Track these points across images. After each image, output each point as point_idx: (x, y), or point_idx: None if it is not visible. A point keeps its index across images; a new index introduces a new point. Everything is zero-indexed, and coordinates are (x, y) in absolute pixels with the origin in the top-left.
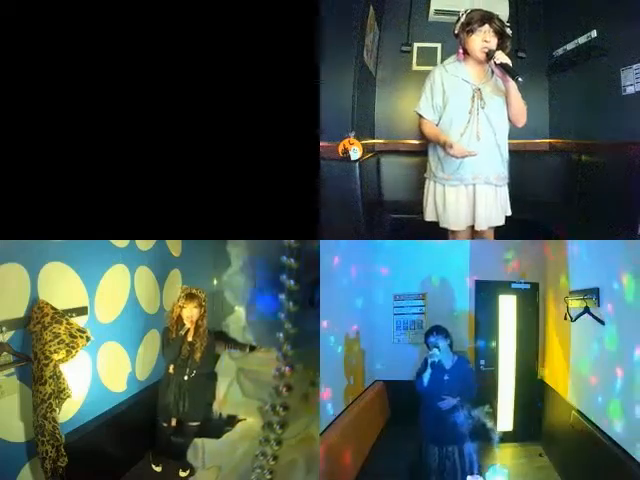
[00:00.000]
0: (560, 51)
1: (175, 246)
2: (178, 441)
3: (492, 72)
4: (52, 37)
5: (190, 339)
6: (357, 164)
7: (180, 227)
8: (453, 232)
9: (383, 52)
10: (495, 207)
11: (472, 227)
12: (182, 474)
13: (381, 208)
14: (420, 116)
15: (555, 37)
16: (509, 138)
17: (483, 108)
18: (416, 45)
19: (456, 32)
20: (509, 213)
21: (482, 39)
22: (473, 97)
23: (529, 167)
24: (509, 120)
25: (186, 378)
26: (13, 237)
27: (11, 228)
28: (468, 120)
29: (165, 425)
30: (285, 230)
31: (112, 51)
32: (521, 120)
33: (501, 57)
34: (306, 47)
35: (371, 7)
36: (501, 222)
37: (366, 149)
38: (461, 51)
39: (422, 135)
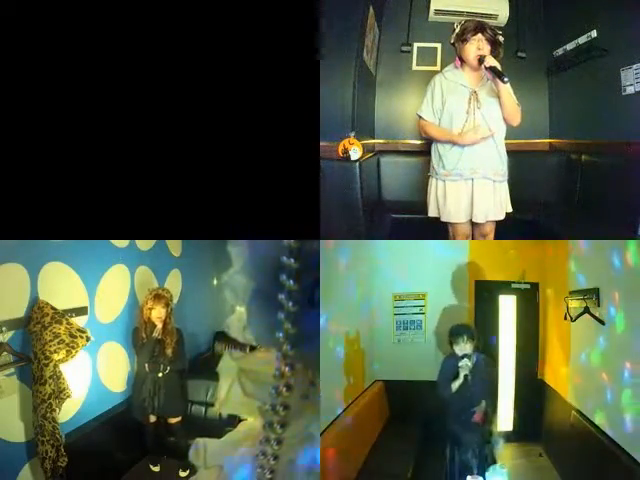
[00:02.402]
0: (560, 51)
1: (175, 246)
2: (168, 440)
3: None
4: (52, 37)
5: (160, 337)
6: (357, 164)
7: (180, 227)
8: (454, 227)
9: (383, 52)
10: (493, 201)
11: (473, 224)
12: (182, 474)
13: (381, 208)
14: (421, 118)
15: (555, 37)
16: (510, 138)
17: (479, 109)
18: (416, 45)
19: (452, 42)
20: (510, 209)
21: (476, 47)
22: (470, 99)
23: (529, 167)
24: (504, 120)
25: (160, 375)
26: (13, 237)
27: (11, 228)
28: (465, 119)
29: (144, 422)
30: (285, 230)
31: (113, 51)
32: (515, 120)
33: (490, 61)
34: (306, 47)
35: (371, 7)
36: (500, 217)
37: (366, 149)
38: (457, 59)
39: (428, 136)
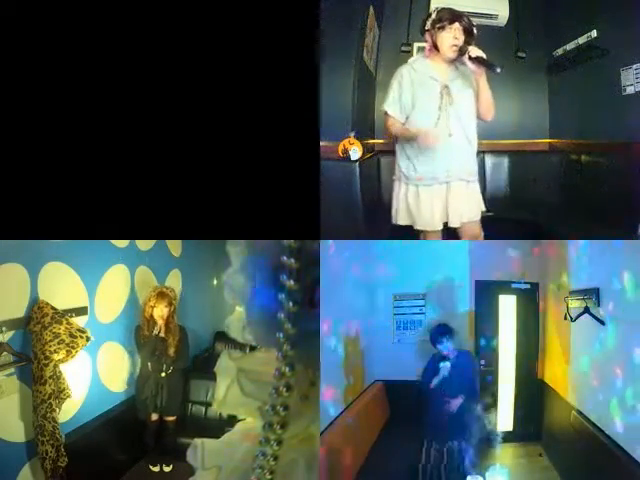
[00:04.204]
0: (560, 51)
1: (175, 246)
2: (166, 438)
3: (458, 69)
4: (52, 37)
5: (162, 335)
6: (357, 164)
7: (180, 227)
8: (425, 235)
9: (383, 52)
10: (468, 202)
11: (461, 226)
12: (166, 469)
13: (381, 208)
14: (386, 114)
15: (555, 37)
16: (510, 138)
17: (451, 105)
18: (416, 45)
19: (427, 28)
20: (484, 208)
21: (452, 36)
22: (441, 94)
23: (529, 167)
24: (478, 115)
25: (163, 374)
26: (13, 237)
27: (11, 228)
28: (438, 117)
29: (146, 421)
30: (285, 230)
31: (112, 51)
32: (489, 114)
33: (475, 51)
34: (306, 47)
35: (371, 7)
36: (477, 217)
37: (366, 149)
38: (429, 47)
39: (388, 134)
